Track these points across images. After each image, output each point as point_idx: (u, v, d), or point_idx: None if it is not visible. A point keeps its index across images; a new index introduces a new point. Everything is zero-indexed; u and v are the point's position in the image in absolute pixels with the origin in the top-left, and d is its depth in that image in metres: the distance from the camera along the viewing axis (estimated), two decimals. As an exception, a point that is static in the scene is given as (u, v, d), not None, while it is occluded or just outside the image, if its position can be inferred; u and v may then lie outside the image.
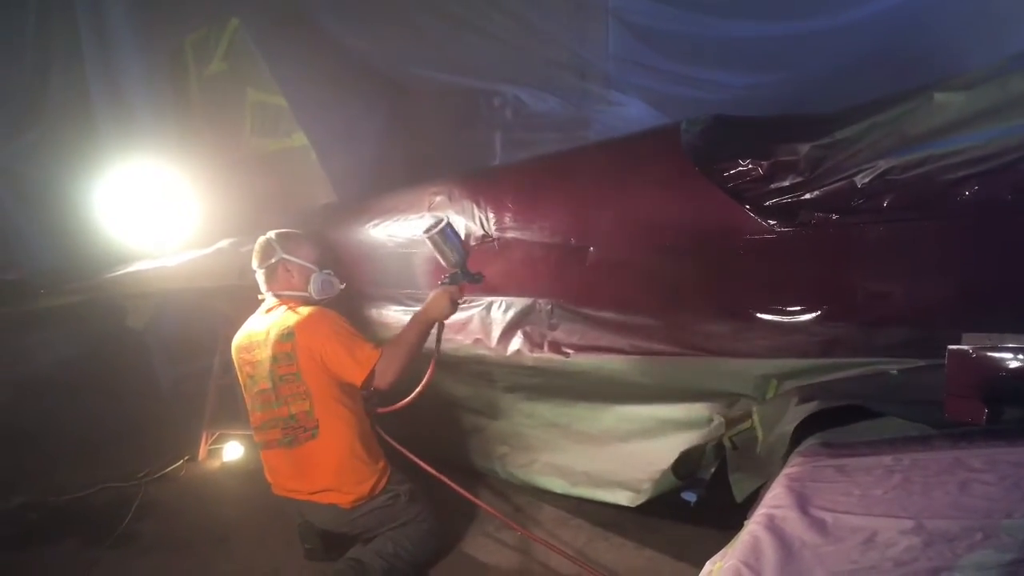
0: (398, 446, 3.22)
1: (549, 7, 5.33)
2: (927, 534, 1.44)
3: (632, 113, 5.34)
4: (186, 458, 4.24)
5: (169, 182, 4.14)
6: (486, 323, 3.31)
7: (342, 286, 3.20)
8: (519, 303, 3.24)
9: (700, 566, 1.65)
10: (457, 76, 5.45)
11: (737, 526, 1.76)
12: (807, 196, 2.48)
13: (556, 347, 3.07)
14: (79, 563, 3.25)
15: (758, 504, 1.84)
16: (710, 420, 2.69)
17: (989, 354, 1.75)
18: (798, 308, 2.50)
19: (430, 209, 3.55)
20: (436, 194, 3.56)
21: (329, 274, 3.13)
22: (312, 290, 3.06)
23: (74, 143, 4.47)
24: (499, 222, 3.27)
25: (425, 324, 2.93)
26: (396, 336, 2.93)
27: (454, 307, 2.93)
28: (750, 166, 2.62)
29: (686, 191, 2.76)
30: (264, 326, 3.00)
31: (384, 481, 2.98)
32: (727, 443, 2.50)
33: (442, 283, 2.94)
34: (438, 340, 3.01)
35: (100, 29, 4.43)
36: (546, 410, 3.31)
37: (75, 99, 4.48)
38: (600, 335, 2.98)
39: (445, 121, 5.85)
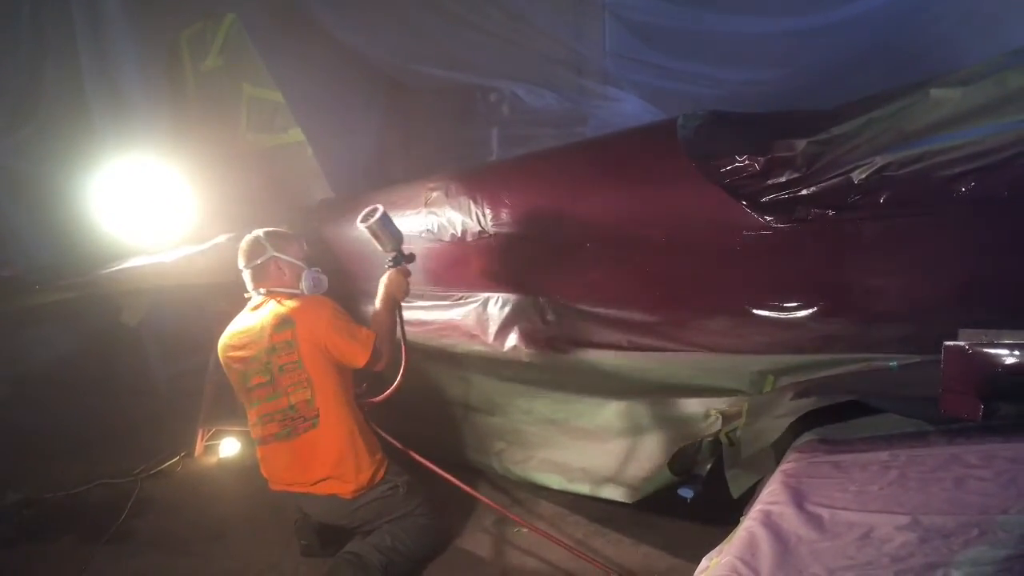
0: (395, 442, 3.23)
1: (546, 3, 5.33)
2: (923, 530, 1.44)
3: (629, 109, 5.34)
4: (182, 454, 4.23)
5: (165, 178, 4.12)
6: (483, 319, 3.31)
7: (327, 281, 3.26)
8: (516, 299, 3.23)
9: (697, 562, 1.65)
10: (454, 72, 5.45)
11: (734, 522, 1.76)
12: (804, 192, 2.47)
13: (553, 343, 3.07)
14: (75, 560, 3.24)
15: (754, 500, 1.85)
16: (707, 416, 2.69)
17: (985, 350, 1.76)
18: (795, 304, 2.50)
19: (427, 205, 3.54)
20: (433, 190, 3.56)
21: (318, 271, 3.17)
22: (304, 287, 3.09)
23: (69, 138, 4.45)
24: (496, 218, 3.26)
25: (393, 304, 3.07)
26: (374, 321, 3.04)
27: (408, 285, 3.10)
28: (747, 162, 2.62)
29: (683, 187, 2.76)
30: (255, 321, 3.01)
31: (382, 471, 3.00)
32: (723, 439, 2.51)
33: (390, 266, 3.10)
34: (401, 325, 3.12)
35: (95, 23, 4.41)
36: (543, 406, 3.31)
37: (70, 94, 4.46)
38: (597, 331, 2.99)
39: (442, 117, 5.85)
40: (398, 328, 3.10)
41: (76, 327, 4.88)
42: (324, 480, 2.92)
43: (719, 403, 2.67)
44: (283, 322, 2.92)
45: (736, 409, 2.57)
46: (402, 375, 3.12)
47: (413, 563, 2.94)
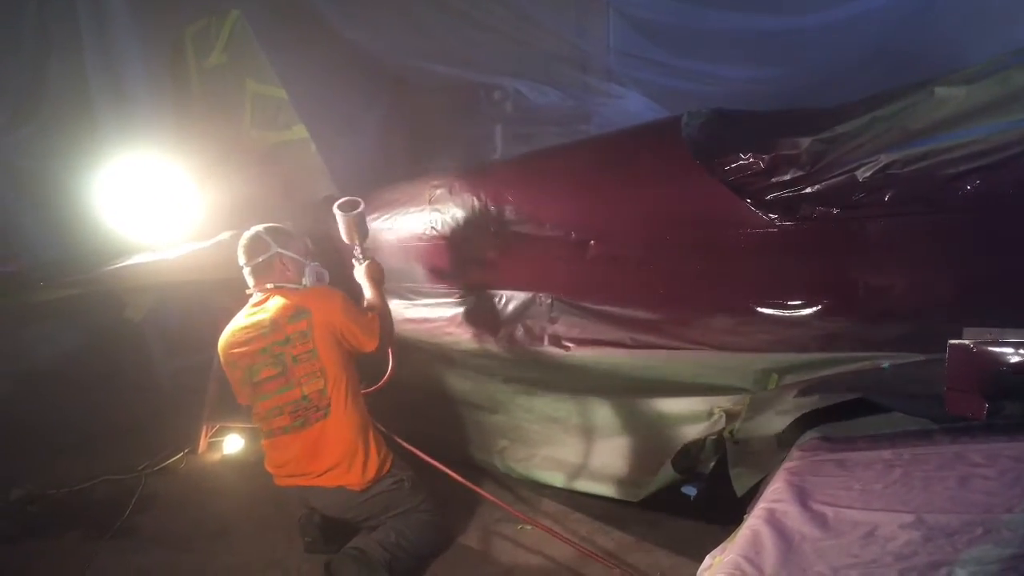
0: (402, 441, 3.24)
1: (550, 1, 5.32)
2: (927, 528, 1.44)
3: (632, 107, 5.34)
4: (186, 451, 4.23)
5: (169, 175, 4.12)
6: (486, 317, 3.31)
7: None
8: (519, 297, 3.24)
9: (700, 560, 1.65)
10: (458, 69, 5.45)
11: (737, 520, 1.76)
12: (808, 190, 2.47)
13: (556, 341, 3.08)
14: (79, 556, 3.25)
15: (758, 498, 1.85)
16: (710, 414, 2.69)
17: (990, 348, 1.75)
18: (799, 302, 2.50)
19: (430, 203, 3.54)
20: (437, 187, 3.56)
21: (319, 265, 3.21)
22: (307, 281, 3.13)
23: (73, 135, 4.46)
24: (499, 215, 3.26)
25: (380, 288, 3.24)
26: (370, 305, 3.16)
27: (382, 268, 3.30)
28: (751, 160, 2.62)
29: (687, 185, 2.76)
30: (263, 315, 3.01)
31: (388, 464, 3.02)
32: (727, 437, 2.50)
33: (360, 259, 3.31)
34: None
35: (99, 20, 4.42)
36: (546, 404, 3.31)
37: (74, 91, 4.47)
38: (600, 329, 2.99)
39: (446, 114, 5.84)
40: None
41: (80, 323, 4.89)
42: (332, 469, 2.93)
43: (723, 401, 2.66)
44: (298, 312, 2.95)
45: (740, 407, 2.56)
46: (391, 368, 3.23)
47: (417, 559, 2.94)
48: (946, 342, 1.80)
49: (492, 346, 3.25)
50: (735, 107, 3.11)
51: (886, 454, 1.85)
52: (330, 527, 3.08)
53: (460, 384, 3.58)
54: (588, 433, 3.18)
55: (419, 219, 3.53)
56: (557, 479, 3.24)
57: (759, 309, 2.58)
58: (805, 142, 2.50)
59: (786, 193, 2.52)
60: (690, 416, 2.76)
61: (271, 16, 5.00)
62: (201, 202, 4.17)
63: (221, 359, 3.16)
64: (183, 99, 4.58)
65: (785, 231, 2.50)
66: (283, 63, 4.45)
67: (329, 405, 2.93)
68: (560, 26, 5.36)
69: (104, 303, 4.47)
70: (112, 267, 4.20)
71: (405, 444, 3.25)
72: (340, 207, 3.22)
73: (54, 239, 4.62)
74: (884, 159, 2.31)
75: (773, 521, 1.59)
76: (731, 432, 2.48)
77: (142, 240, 4.20)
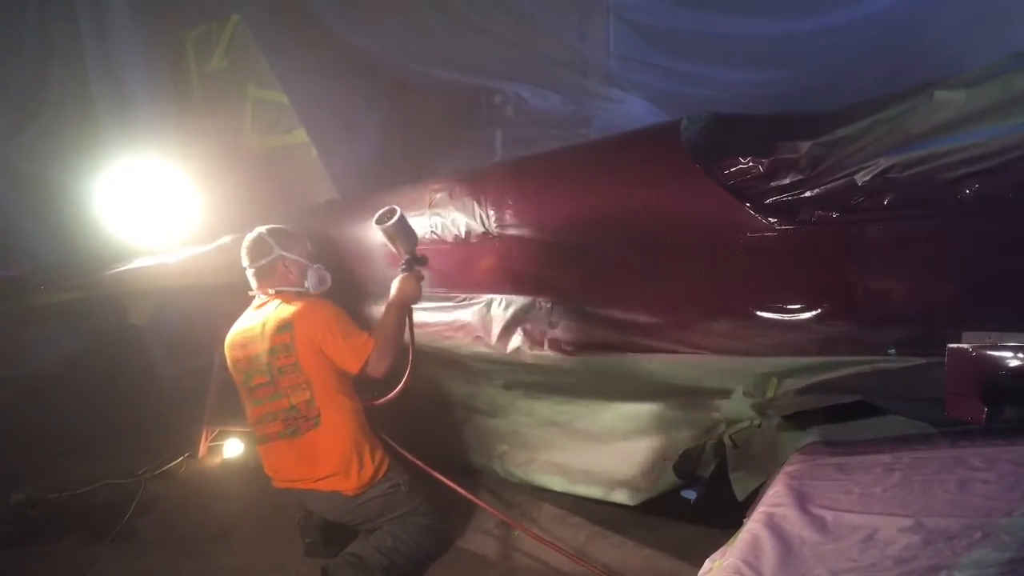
0: (402, 450, 3.24)
1: (550, 4, 5.33)
2: (927, 532, 1.44)
3: (633, 110, 5.34)
4: (186, 455, 4.24)
5: (170, 179, 4.13)
6: (486, 321, 3.31)
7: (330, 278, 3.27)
8: (519, 301, 3.23)
9: (700, 564, 1.65)
10: (459, 73, 5.45)
11: (737, 524, 1.76)
12: (808, 194, 2.47)
13: (556, 345, 3.07)
14: (79, 560, 3.25)
15: (758, 502, 1.84)
16: (710, 418, 2.69)
17: (989, 352, 1.75)
18: (799, 306, 2.50)
19: (431, 206, 3.55)
20: (437, 191, 3.56)
21: (321, 268, 3.20)
22: (309, 284, 3.11)
23: (74, 139, 4.47)
24: (499, 219, 3.27)
25: (401, 310, 3.02)
26: (378, 326, 2.99)
27: (420, 289, 3.06)
28: (751, 164, 2.62)
29: (686, 189, 2.75)
30: (258, 320, 3.03)
31: (384, 468, 3.02)
32: (727, 441, 2.50)
33: (403, 269, 3.06)
34: (411, 328, 3.09)
35: (101, 24, 4.43)
36: (546, 408, 3.31)
37: (76, 95, 4.48)
38: (600, 333, 2.98)
39: (446, 118, 5.85)
40: (406, 332, 3.07)
41: (81, 327, 4.89)
42: (328, 477, 2.94)
43: (723, 405, 2.67)
44: (283, 325, 2.94)
45: (739, 411, 2.56)
46: (406, 380, 3.11)
47: (415, 564, 2.94)
48: (945, 346, 1.80)
49: (492, 350, 3.24)
50: (735, 111, 3.11)
51: (886, 458, 1.85)
52: (330, 529, 3.09)
53: (460, 388, 3.58)
54: (588, 437, 3.18)
55: (419, 223, 3.53)
56: (557, 483, 3.23)
57: (759, 313, 2.58)
58: (804, 146, 2.50)
59: (785, 197, 2.52)
60: (690, 420, 2.76)
61: (272, 21, 5.01)
62: (202, 206, 4.18)
63: (226, 358, 3.17)
64: (184, 103, 4.60)
65: (784, 235, 2.50)
66: (283, 67, 4.46)
67: (319, 415, 2.93)
68: (560, 30, 5.36)
69: (105, 307, 4.48)
70: (113, 271, 4.21)
71: (406, 454, 3.24)
72: (378, 220, 2.97)
73: (55, 243, 4.62)
74: (883, 163, 2.31)
75: (773, 525, 1.59)
76: (731, 436, 2.49)
77: (143, 244, 4.21)
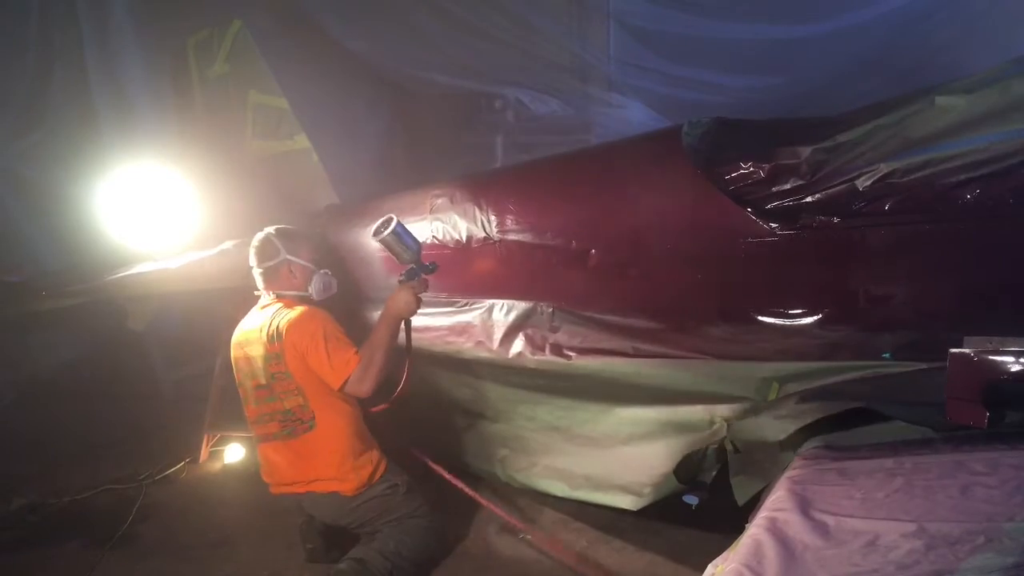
0: (422, 457, 3.23)
1: (551, 10, 5.34)
2: (929, 537, 1.44)
3: (633, 116, 5.34)
4: (187, 460, 4.24)
5: (171, 184, 4.14)
6: (488, 326, 3.31)
7: (336, 284, 3.24)
8: (521, 306, 3.24)
9: (702, 569, 1.65)
10: (459, 79, 5.46)
11: (739, 529, 1.76)
12: (809, 199, 2.48)
13: (558, 350, 3.07)
14: (80, 565, 3.24)
15: (760, 507, 1.84)
16: (712, 423, 2.69)
17: (991, 357, 1.76)
18: (800, 311, 2.50)
19: (432, 212, 3.55)
20: (438, 196, 3.57)
21: (327, 274, 3.17)
22: (313, 290, 3.09)
23: (76, 144, 4.47)
24: (501, 225, 3.27)
25: (394, 323, 2.93)
26: (368, 343, 2.90)
27: (419, 302, 2.94)
28: (752, 169, 2.63)
29: (688, 194, 2.76)
30: (258, 323, 3.03)
31: (382, 469, 3.02)
32: (728, 446, 2.50)
33: (401, 280, 2.94)
34: (408, 338, 3.04)
35: (102, 30, 4.44)
36: (547, 413, 3.30)
37: (77, 100, 4.48)
38: (602, 337, 2.99)
39: (447, 124, 5.86)
40: (398, 345, 2.98)
41: (83, 333, 4.90)
42: (324, 479, 2.94)
43: (724, 410, 2.66)
44: (275, 333, 2.94)
45: (741, 416, 2.56)
46: (400, 389, 3.07)
47: (417, 566, 2.94)
48: (947, 351, 1.80)
49: (494, 355, 3.24)
50: (736, 116, 3.12)
51: (888, 463, 1.85)
52: (331, 535, 3.09)
53: (461, 393, 3.57)
54: (589, 442, 3.17)
55: (420, 228, 3.54)
56: (558, 488, 3.23)
57: (760, 318, 2.58)
58: (806, 151, 2.51)
59: (787, 202, 2.53)
60: (692, 425, 2.76)
61: (273, 26, 5.02)
62: (203, 211, 4.19)
63: (231, 356, 3.16)
64: (185, 109, 4.60)
65: (786, 240, 2.50)
66: (284, 73, 4.46)
67: (313, 418, 2.93)
68: (561, 36, 5.37)
69: (106, 312, 4.48)
70: (115, 276, 4.21)
71: (423, 458, 3.23)
72: (374, 233, 2.84)
73: (57, 248, 4.63)
74: (884, 168, 2.32)
75: (775, 530, 1.59)
76: (733, 441, 2.49)
77: (145, 249, 4.21)
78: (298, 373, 2.91)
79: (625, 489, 2.96)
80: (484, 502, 3.16)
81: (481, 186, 3.51)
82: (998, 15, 4.78)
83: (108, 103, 4.52)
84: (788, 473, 1.94)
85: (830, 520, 1.59)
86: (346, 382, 2.84)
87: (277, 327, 2.94)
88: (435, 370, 3.54)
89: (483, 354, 3.28)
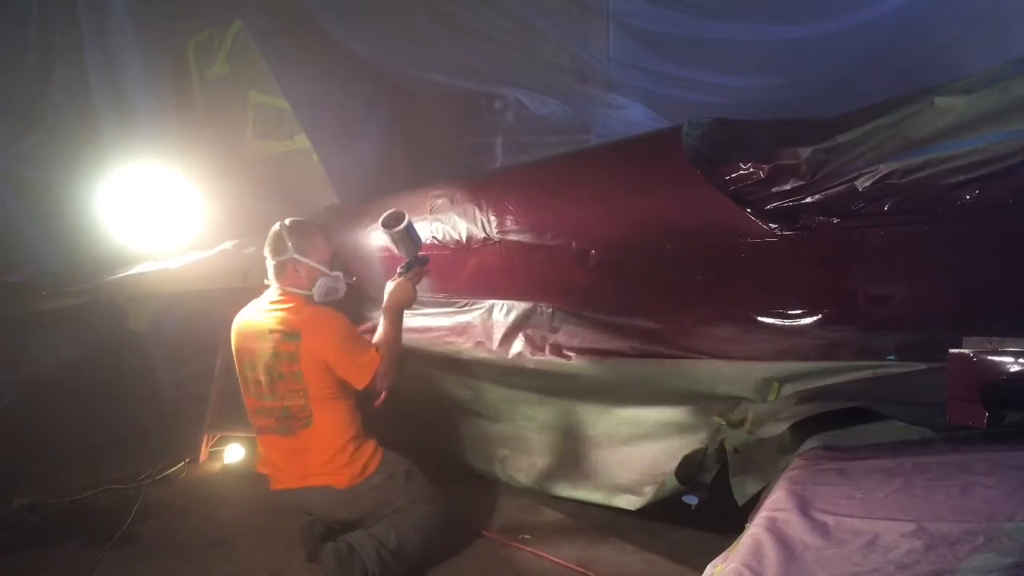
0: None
1: (550, 11, 5.34)
2: (929, 537, 1.44)
3: (633, 116, 5.35)
4: (187, 460, 4.23)
5: (171, 184, 4.14)
6: (487, 326, 3.32)
7: (345, 288, 3.19)
8: (520, 306, 3.24)
9: (702, 569, 1.65)
10: (459, 79, 5.46)
11: (739, 529, 1.76)
12: (808, 200, 2.48)
13: (557, 350, 3.07)
14: (80, 565, 3.24)
15: (759, 507, 1.85)
16: (711, 423, 2.69)
17: (990, 358, 1.76)
18: (800, 311, 2.50)
19: (432, 212, 3.55)
20: (438, 197, 3.57)
21: (337, 278, 3.10)
22: (316, 293, 3.04)
23: (76, 145, 4.47)
24: (500, 225, 3.27)
25: (399, 315, 3.02)
26: (381, 339, 2.96)
27: (415, 293, 3.05)
28: (751, 169, 2.63)
29: (687, 194, 2.76)
30: (266, 318, 2.99)
31: (376, 461, 2.98)
32: (728, 446, 2.51)
33: (400, 274, 3.04)
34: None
35: (102, 30, 4.43)
36: (547, 413, 3.31)
37: (77, 101, 4.48)
38: (602, 338, 2.99)
39: (447, 124, 5.86)
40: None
41: (83, 333, 4.89)
42: (319, 472, 2.94)
43: (724, 410, 2.67)
44: (290, 333, 2.90)
45: (741, 416, 2.57)
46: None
47: (421, 557, 2.92)
48: (947, 351, 1.81)
49: (493, 355, 3.24)
50: (735, 117, 3.12)
51: (887, 463, 1.85)
52: (333, 537, 3.08)
53: (461, 393, 3.57)
54: (590, 442, 3.18)
55: (421, 228, 3.54)
56: (558, 488, 3.23)
57: (760, 318, 2.59)
58: (805, 152, 2.51)
59: (786, 203, 2.53)
60: (691, 425, 2.77)
61: (273, 27, 5.02)
62: (203, 212, 4.19)
63: (231, 335, 3.11)
64: (185, 109, 4.61)
65: (785, 240, 2.51)
66: (285, 73, 4.47)
67: (311, 416, 2.92)
68: (561, 36, 5.37)
69: (107, 312, 4.48)
70: (115, 276, 4.21)
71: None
72: (384, 223, 2.96)
73: (57, 248, 4.62)
74: (884, 169, 2.33)
75: (775, 530, 1.59)
76: (732, 441, 2.49)
77: (145, 249, 4.21)
78: (310, 375, 2.89)
79: (625, 489, 2.96)
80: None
81: (481, 186, 3.52)
82: (998, 15, 4.79)
83: (108, 104, 4.52)
84: (788, 473, 1.94)
85: (830, 520, 1.60)
86: (372, 380, 2.88)
87: (294, 326, 2.90)
88: (435, 371, 3.55)
89: (483, 354, 3.28)
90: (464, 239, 3.39)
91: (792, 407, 2.29)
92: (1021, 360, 1.73)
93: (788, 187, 2.53)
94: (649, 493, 2.79)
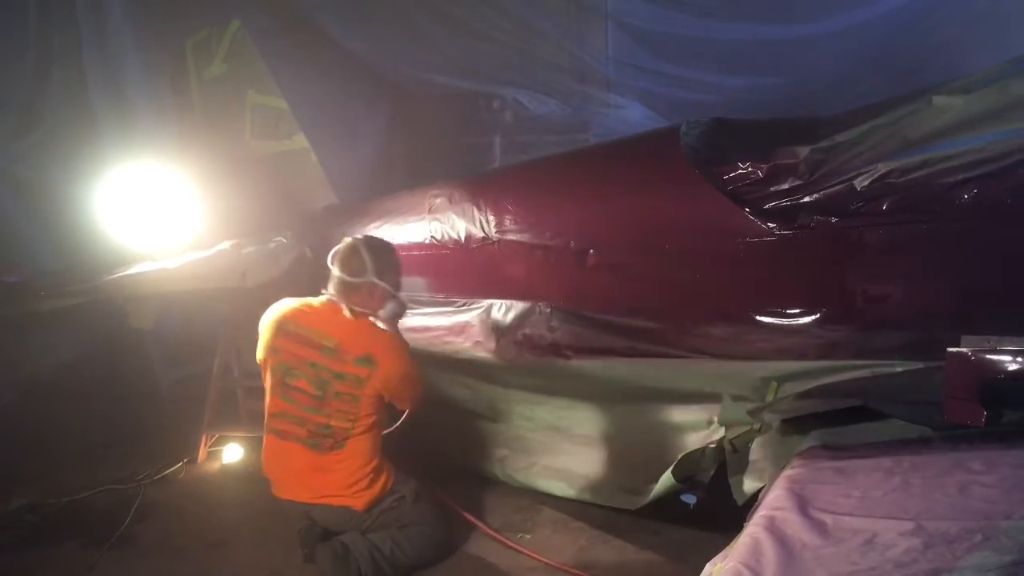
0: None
1: (549, 10, 5.34)
2: (927, 535, 1.45)
3: (632, 116, 5.34)
4: (186, 460, 4.22)
5: (170, 184, 4.13)
6: (486, 325, 3.32)
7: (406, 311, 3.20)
8: (519, 306, 3.24)
9: (701, 568, 1.65)
10: (457, 79, 5.45)
11: (737, 528, 1.76)
12: (807, 199, 2.48)
13: (556, 350, 3.08)
14: (78, 565, 3.24)
15: (758, 506, 1.85)
16: (710, 423, 2.69)
17: (988, 356, 1.76)
18: (798, 311, 2.51)
19: (430, 212, 3.55)
20: (436, 196, 3.57)
21: (403, 302, 3.08)
22: (384, 315, 2.97)
23: (75, 145, 4.47)
24: (499, 225, 3.27)
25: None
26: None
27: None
28: (750, 169, 2.63)
29: (686, 194, 2.77)
30: (331, 331, 2.90)
31: (391, 483, 2.98)
32: (727, 445, 2.51)
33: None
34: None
35: (101, 31, 4.43)
36: (546, 413, 3.31)
37: (76, 101, 4.48)
38: (600, 338, 2.99)
39: (445, 124, 5.86)
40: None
41: (82, 333, 4.88)
42: (339, 495, 2.91)
43: (723, 409, 2.67)
44: (367, 358, 2.84)
45: (739, 416, 2.57)
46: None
47: (408, 571, 2.93)
48: (945, 350, 1.81)
49: (492, 355, 3.25)
50: (734, 116, 3.13)
51: (885, 462, 1.85)
52: (330, 538, 3.07)
53: (460, 393, 3.58)
54: (588, 442, 3.18)
55: (419, 228, 3.54)
56: (557, 488, 3.23)
57: (758, 318, 2.59)
58: (804, 151, 2.52)
59: (785, 202, 2.54)
60: (690, 424, 2.77)
61: (271, 26, 5.01)
62: (202, 211, 4.18)
63: (264, 324, 3.01)
64: (184, 109, 4.61)
65: (784, 240, 2.51)
66: (283, 73, 4.46)
67: (347, 439, 2.89)
68: (559, 36, 5.37)
69: (106, 312, 4.47)
70: (114, 276, 4.20)
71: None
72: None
73: (56, 248, 4.62)
74: (882, 168, 2.33)
75: (773, 529, 1.60)
76: (731, 440, 2.49)
77: (144, 249, 4.21)
78: (367, 402, 2.87)
79: (624, 488, 2.97)
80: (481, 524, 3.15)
81: (479, 186, 3.52)
82: (997, 15, 4.79)
83: (107, 104, 4.52)
84: (786, 472, 1.94)
85: (828, 519, 1.60)
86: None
87: (369, 351, 2.84)
88: (434, 370, 3.55)
89: (482, 354, 3.29)
90: (463, 239, 3.39)
91: (791, 406, 2.29)
92: (1019, 359, 1.73)
93: (786, 186, 2.53)
94: (648, 492, 2.79)
